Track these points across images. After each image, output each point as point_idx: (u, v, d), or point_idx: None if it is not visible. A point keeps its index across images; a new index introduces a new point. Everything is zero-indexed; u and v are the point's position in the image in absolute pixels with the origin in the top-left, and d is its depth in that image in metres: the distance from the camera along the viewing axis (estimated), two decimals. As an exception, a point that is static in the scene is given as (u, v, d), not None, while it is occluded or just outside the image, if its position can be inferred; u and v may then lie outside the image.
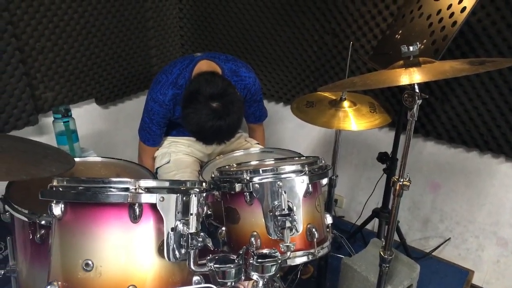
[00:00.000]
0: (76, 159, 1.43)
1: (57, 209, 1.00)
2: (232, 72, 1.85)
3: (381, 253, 1.52)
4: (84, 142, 2.12)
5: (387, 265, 1.53)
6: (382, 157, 2.10)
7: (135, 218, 1.00)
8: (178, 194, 1.04)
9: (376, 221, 2.35)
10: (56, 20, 2.03)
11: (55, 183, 1.04)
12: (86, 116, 2.37)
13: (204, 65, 1.80)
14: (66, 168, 1.25)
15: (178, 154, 1.98)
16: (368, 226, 2.44)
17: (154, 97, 1.79)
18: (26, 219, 1.28)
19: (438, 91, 2.08)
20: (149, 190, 1.02)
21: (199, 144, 2.03)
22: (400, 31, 1.82)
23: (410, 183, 1.39)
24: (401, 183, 1.39)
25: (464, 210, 2.29)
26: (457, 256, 2.40)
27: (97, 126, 2.48)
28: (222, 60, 1.84)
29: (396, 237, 2.27)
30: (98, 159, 1.74)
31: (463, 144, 2.13)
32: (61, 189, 1.03)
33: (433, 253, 2.44)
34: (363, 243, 2.42)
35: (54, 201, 1.01)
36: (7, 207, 1.33)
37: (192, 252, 1.04)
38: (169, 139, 2.03)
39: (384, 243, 1.51)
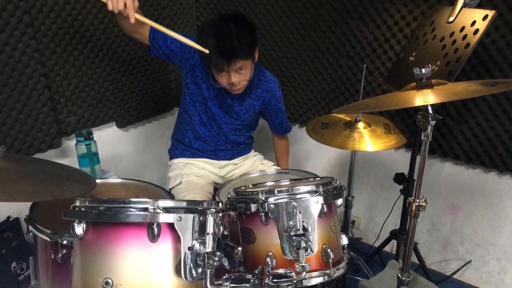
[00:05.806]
0: (97, 181, 1.47)
1: (79, 229, 1.03)
2: (258, 71, 1.94)
3: (399, 275, 1.50)
4: (104, 164, 2.17)
5: (405, 288, 1.51)
6: (399, 178, 2.09)
7: (153, 238, 1.03)
8: (195, 214, 1.07)
9: (394, 242, 2.33)
10: (80, 48, 2.12)
11: (77, 203, 1.08)
12: (107, 138, 2.44)
13: None
14: (88, 189, 1.28)
15: (190, 176, 2.02)
16: (387, 248, 2.41)
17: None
18: (48, 239, 1.32)
19: (454, 112, 2.08)
20: (167, 210, 1.05)
21: (213, 166, 2.06)
22: (414, 53, 1.84)
23: (427, 203, 1.39)
24: (417, 204, 1.39)
25: (485, 232, 2.25)
26: (479, 279, 2.35)
27: (117, 149, 2.54)
28: None
29: (415, 260, 2.23)
30: (118, 180, 1.79)
31: (481, 165, 2.11)
32: (83, 209, 1.06)
33: (454, 276, 2.40)
34: (381, 265, 2.39)
35: (77, 221, 1.04)
36: (30, 227, 1.38)
37: (208, 271, 1.05)
38: (184, 161, 2.07)
39: (401, 265, 1.50)
